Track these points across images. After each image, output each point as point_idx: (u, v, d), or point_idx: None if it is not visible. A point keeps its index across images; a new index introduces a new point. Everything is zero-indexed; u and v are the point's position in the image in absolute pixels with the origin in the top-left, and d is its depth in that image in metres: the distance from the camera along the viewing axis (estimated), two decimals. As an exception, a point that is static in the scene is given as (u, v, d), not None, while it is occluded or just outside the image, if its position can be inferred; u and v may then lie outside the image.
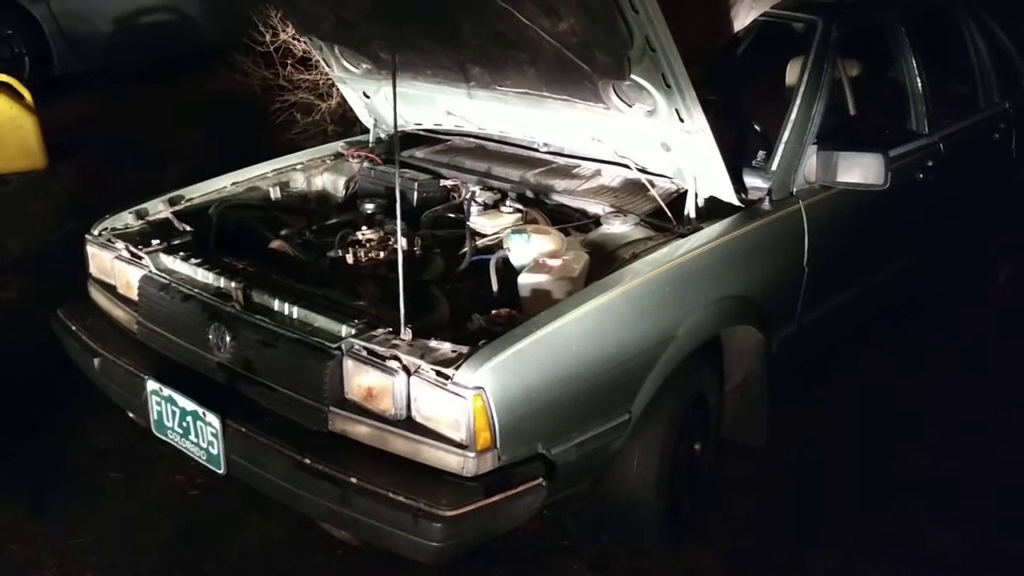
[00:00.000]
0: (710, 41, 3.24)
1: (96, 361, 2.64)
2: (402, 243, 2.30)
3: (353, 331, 2.18)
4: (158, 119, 5.94)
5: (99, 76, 6.95)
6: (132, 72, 6.98)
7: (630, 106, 2.59)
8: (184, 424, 2.36)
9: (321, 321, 2.26)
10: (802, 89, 2.95)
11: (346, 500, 2.03)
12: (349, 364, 2.15)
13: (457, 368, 2.01)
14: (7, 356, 3.58)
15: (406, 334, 2.12)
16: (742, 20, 3.23)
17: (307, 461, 2.10)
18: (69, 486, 2.98)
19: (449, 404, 2.01)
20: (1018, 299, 4.14)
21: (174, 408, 2.38)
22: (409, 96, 3.28)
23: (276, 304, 2.35)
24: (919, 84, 3.50)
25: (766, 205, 2.74)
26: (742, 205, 2.69)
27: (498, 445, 2.04)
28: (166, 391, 2.40)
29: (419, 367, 2.06)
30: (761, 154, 2.88)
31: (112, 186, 3.99)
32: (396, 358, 2.09)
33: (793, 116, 2.90)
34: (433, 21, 2.70)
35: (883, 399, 3.47)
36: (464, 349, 2.08)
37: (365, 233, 2.73)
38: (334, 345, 2.18)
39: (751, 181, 2.81)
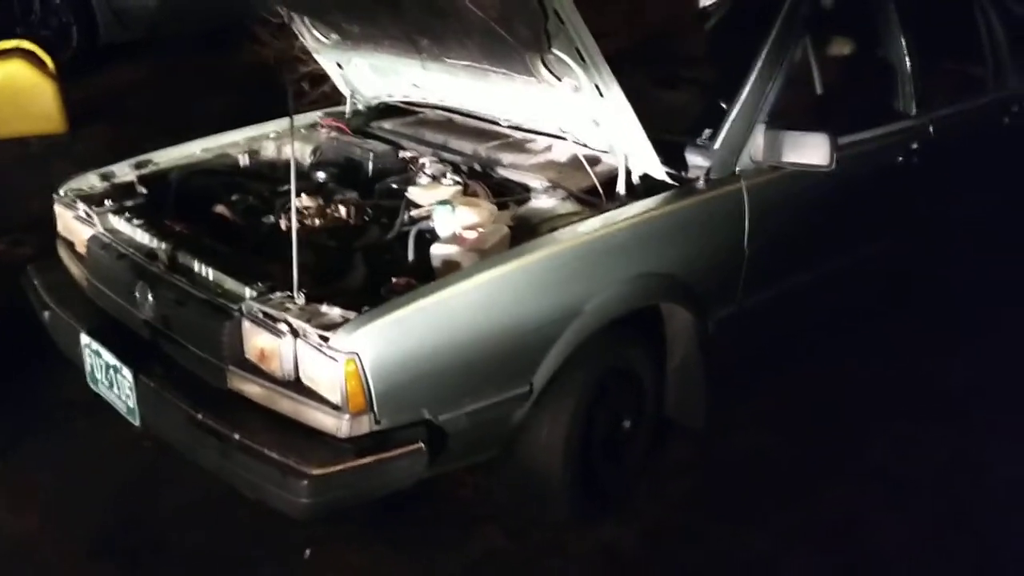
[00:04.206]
0: (675, 15, 3.20)
1: (46, 314, 2.79)
2: (296, 208, 2.36)
3: (255, 294, 2.26)
4: (185, 89, 6.14)
5: (144, 46, 7.19)
6: (176, 43, 7.19)
7: (560, 80, 2.59)
8: (108, 377, 2.48)
9: (230, 283, 2.34)
10: (758, 66, 2.88)
11: (227, 454, 2.12)
12: (247, 325, 2.22)
13: (335, 332, 2.06)
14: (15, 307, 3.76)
15: (299, 298, 2.19)
16: (709, -6, 3.18)
17: (199, 416, 2.19)
18: (37, 432, 3.14)
19: (326, 367, 2.07)
20: (1002, 295, 3.93)
21: (100, 361, 2.50)
22: (379, 68, 3.34)
23: (195, 265, 2.44)
24: (907, 63, 3.39)
25: (700, 184, 2.70)
26: (674, 183, 2.67)
27: (375, 409, 2.09)
28: (95, 345, 2.52)
29: (305, 330, 2.12)
30: (707, 132, 2.83)
31: (127, 150, 4.13)
32: (286, 321, 2.15)
33: (744, 94, 2.84)
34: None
35: (845, 388, 3.39)
36: (352, 315, 2.13)
37: (303, 200, 2.79)
38: (235, 306, 2.25)
39: (693, 159, 2.77)
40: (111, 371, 2.46)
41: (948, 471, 2.99)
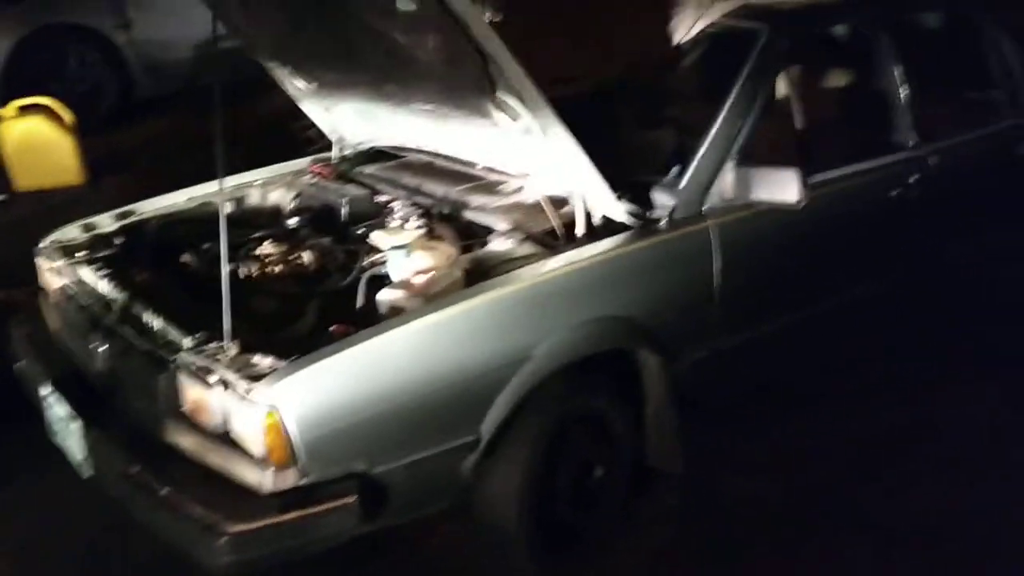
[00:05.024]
0: (648, 51, 3.15)
1: (17, 366, 2.82)
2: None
3: (192, 344, 2.24)
4: (207, 139, 6.26)
5: (180, 98, 7.38)
6: (209, 94, 7.35)
7: (514, 121, 2.54)
8: (62, 427, 2.49)
9: (173, 333, 2.33)
10: (729, 103, 2.80)
11: (155, 509, 2.09)
12: (182, 376, 2.20)
13: (256, 383, 2.03)
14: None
15: (231, 348, 2.16)
16: (684, 30, 3.12)
17: (132, 470, 2.17)
18: (28, 476, 3.14)
19: (249, 418, 2.04)
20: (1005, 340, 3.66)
21: (56, 411, 2.51)
22: (361, 112, 3.34)
23: (144, 316, 2.44)
24: (904, 94, 3.25)
25: (662, 224, 2.62)
26: (631, 224, 2.59)
27: (302, 462, 2.04)
28: (52, 395, 2.53)
29: (232, 381, 2.09)
30: (675, 170, 2.75)
31: (140, 199, 4.24)
32: (215, 372, 2.12)
33: (714, 131, 2.76)
34: (331, 37, 2.74)
35: (838, 433, 3.22)
36: (283, 364, 2.09)
37: (265, 247, 2.79)
38: (173, 357, 2.24)
39: (658, 198, 2.69)
40: (65, 422, 2.47)
41: (941, 522, 2.81)
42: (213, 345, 2.21)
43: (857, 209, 3.04)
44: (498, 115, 2.55)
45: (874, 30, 3.27)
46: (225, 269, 2.20)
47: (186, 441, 2.19)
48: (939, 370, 3.49)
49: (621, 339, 2.53)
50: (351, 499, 2.07)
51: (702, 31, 3.15)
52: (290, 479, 2.04)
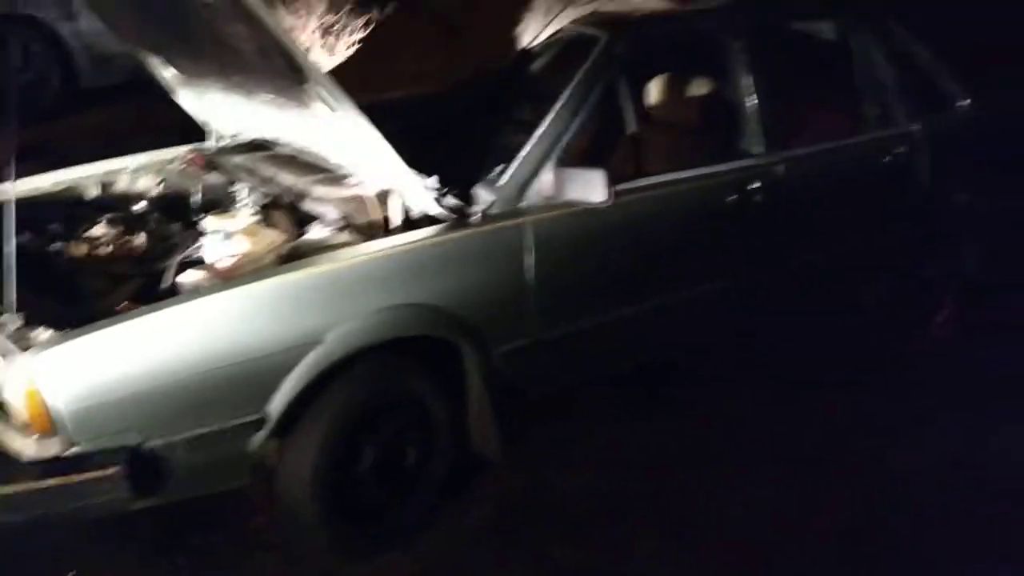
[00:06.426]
0: (499, 56, 3.23)
1: None
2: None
3: (-16, 316, 2.31)
4: (137, 130, 6.34)
5: (126, 91, 7.45)
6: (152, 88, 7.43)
7: (333, 112, 2.62)
8: None
9: (-21, 307, 2.40)
10: (559, 106, 2.89)
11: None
12: (-31, 345, 2.28)
13: (23, 353, 2.11)
14: None
15: (16, 320, 2.23)
16: (533, 33, 3.21)
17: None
18: None
19: (14, 387, 2.11)
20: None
21: None
22: (226, 103, 3.41)
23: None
24: (752, 103, 3.32)
25: (475, 218, 2.70)
26: (444, 218, 2.67)
27: (68, 432, 2.11)
28: None
29: (8, 351, 2.16)
30: (499, 168, 2.84)
31: None
32: (-4, 342, 2.20)
33: (539, 133, 2.84)
34: (172, 25, 2.82)
35: (680, 429, 3.34)
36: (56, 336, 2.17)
37: (96, 230, 2.87)
38: (-36, 327, 2.31)
39: (480, 195, 2.77)
40: None
41: (742, 521, 2.92)
42: (5, 317, 2.28)
43: (683, 213, 3.10)
44: (317, 106, 2.63)
45: (728, 40, 3.33)
46: (11, 247, 2.27)
47: (-27, 409, 2.26)
48: (783, 374, 3.60)
49: (426, 327, 2.60)
50: (116, 470, 2.14)
51: (554, 35, 3.23)
52: (54, 448, 2.11)
